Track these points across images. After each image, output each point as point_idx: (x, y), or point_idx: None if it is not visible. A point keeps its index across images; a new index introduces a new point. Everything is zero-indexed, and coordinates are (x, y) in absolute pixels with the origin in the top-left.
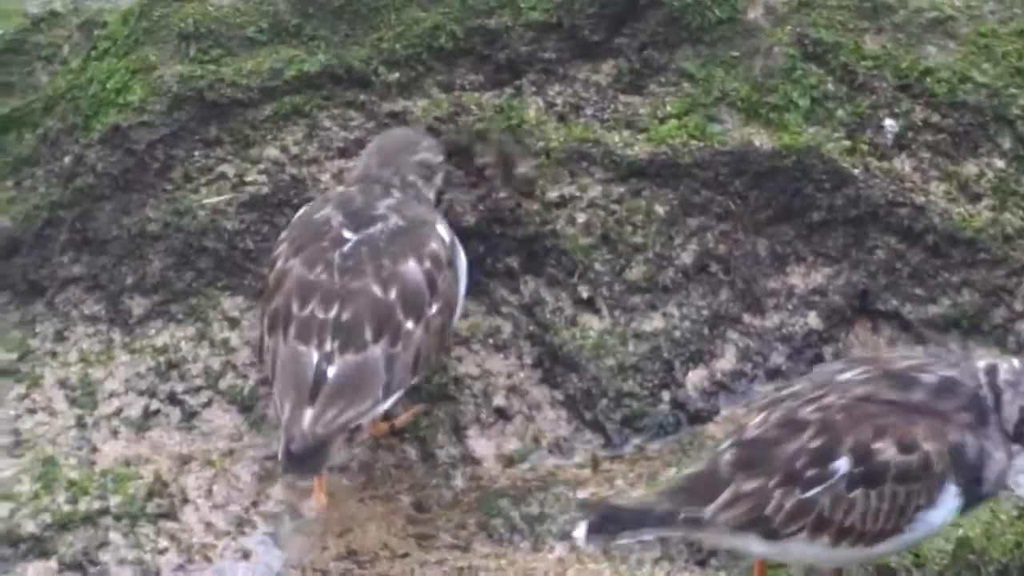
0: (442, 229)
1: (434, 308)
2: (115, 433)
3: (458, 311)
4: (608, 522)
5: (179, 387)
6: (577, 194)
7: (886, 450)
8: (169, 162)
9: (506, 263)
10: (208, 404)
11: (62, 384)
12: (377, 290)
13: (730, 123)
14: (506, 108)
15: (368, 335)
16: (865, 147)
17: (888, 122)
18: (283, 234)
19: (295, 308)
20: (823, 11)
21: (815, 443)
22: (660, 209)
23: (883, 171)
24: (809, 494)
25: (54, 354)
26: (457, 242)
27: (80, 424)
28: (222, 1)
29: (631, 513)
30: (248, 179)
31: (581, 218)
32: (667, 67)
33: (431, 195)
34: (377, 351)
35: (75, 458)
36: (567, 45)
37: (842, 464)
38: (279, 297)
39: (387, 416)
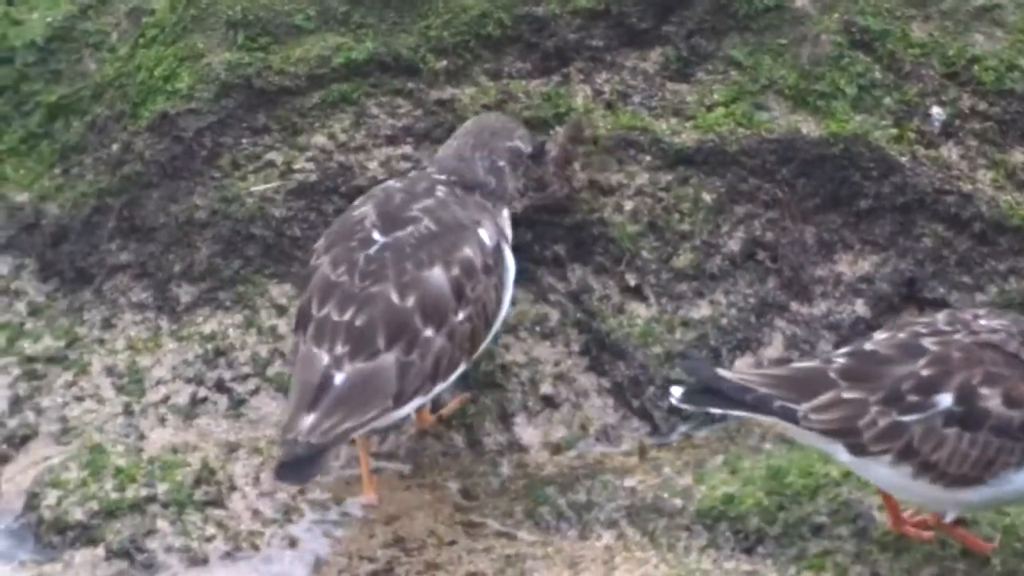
0: (485, 234)
1: (461, 315)
2: (162, 420)
3: (499, 318)
4: (707, 391)
5: (227, 374)
6: (625, 182)
7: (991, 398)
8: (217, 149)
9: (554, 251)
10: (256, 392)
11: (110, 371)
12: (394, 296)
13: (777, 111)
14: (554, 96)
15: (380, 342)
16: (912, 135)
17: (935, 110)
18: (328, 227)
19: (315, 308)
20: None
21: (926, 371)
22: (707, 197)
23: (930, 159)
24: (905, 418)
25: (102, 341)
26: (505, 247)
27: (127, 411)
28: None
29: (731, 387)
30: (296, 166)
31: (628, 206)
32: (714, 55)
33: (513, 185)
34: (389, 359)
35: (122, 445)
36: (615, 33)
37: (945, 399)
38: (305, 295)
39: (434, 406)
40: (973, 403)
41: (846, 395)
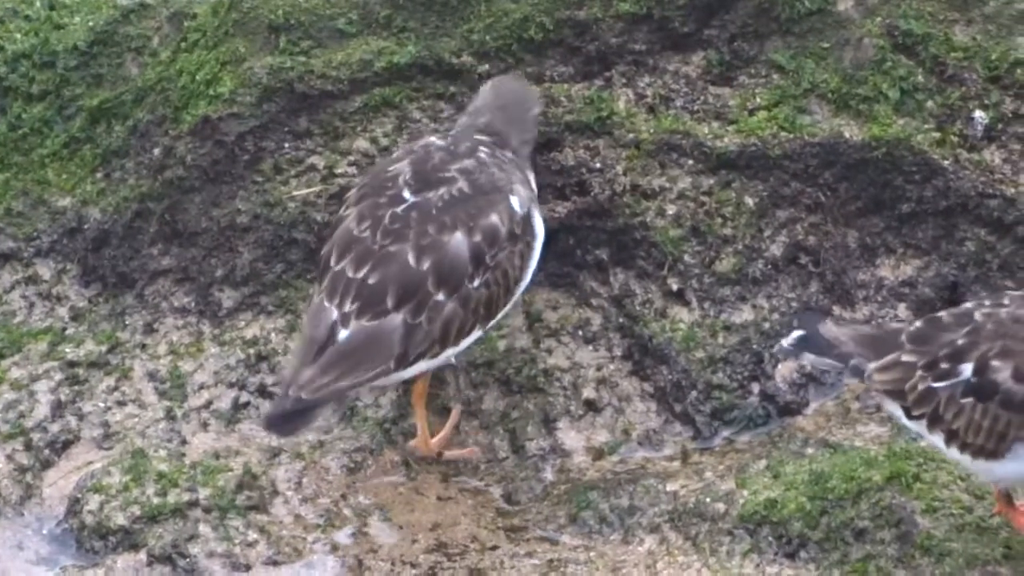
0: (515, 200)
1: (477, 282)
2: (205, 425)
3: (522, 286)
4: (806, 342)
5: (269, 379)
6: (667, 186)
7: (1001, 371)
8: (259, 154)
9: (596, 255)
10: None
11: (152, 376)
12: (411, 258)
13: (820, 115)
14: (596, 100)
15: (389, 302)
16: (955, 139)
17: (978, 114)
18: (361, 177)
19: (333, 261)
20: (913, 2)
21: (960, 341)
22: (750, 201)
23: (973, 163)
24: (936, 385)
25: (144, 346)
26: (536, 212)
27: (170, 416)
28: None
29: (824, 342)
30: (338, 171)
31: (671, 210)
32: (757, 58)
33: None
34: (396, 320)
35: (165, 450)
36: (657, 36)
37: (966, 369)
38: (327, 245)
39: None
40: (985, 375)
41: (904, 358)
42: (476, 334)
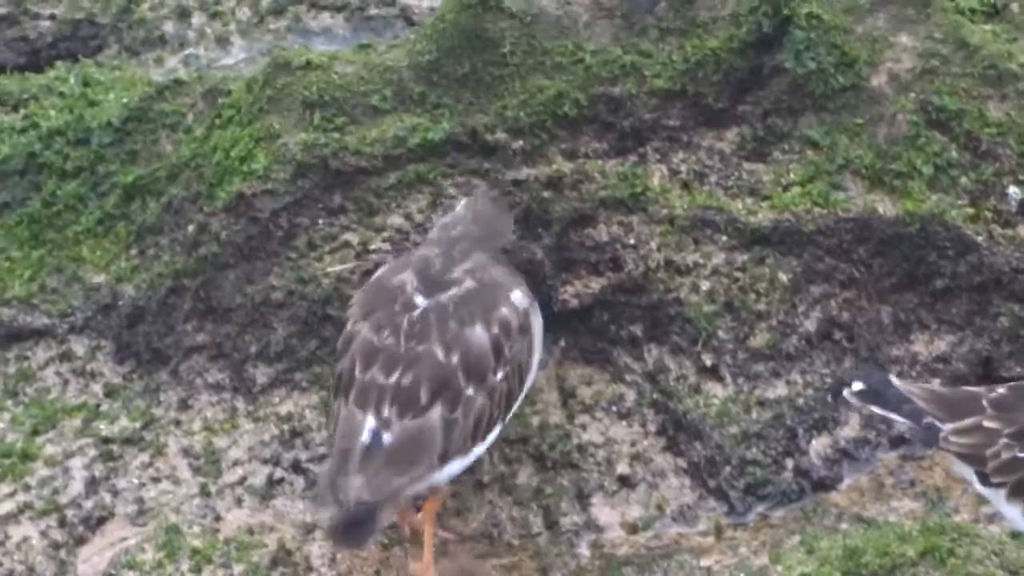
0: (517, 296)
1: (500, 375)
2: (239, 501)
3: (530, 380)
4: (874, 394)
5: (303, 455)
6: (701, 261)
7: None
8: (293, 230)
9: (630, 331)
10: None
11: (186, 452)
12: (440, 354)
13: (854, 190)
14: (630, 175)
15: (424, 398)
16: (989, 214)
17: (1012, 189)
18: (356, 296)
19: (358, 371)
20: (947, 78)
21: None
22: (783, 276)
23: (1007, 238)
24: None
25: (178, 422)
26: (536, 308)
27: (204, 492)
28: (346, 69)
29: (895, 394)
30: (372, 247)
31: (705, 285)
32: (790, 134)
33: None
34: (435, 416)
35: (199, 526)
36: (691, 112)
37: None
38: (345, 360)
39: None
40: None
41: (986, 423)
42: (497, 428)
